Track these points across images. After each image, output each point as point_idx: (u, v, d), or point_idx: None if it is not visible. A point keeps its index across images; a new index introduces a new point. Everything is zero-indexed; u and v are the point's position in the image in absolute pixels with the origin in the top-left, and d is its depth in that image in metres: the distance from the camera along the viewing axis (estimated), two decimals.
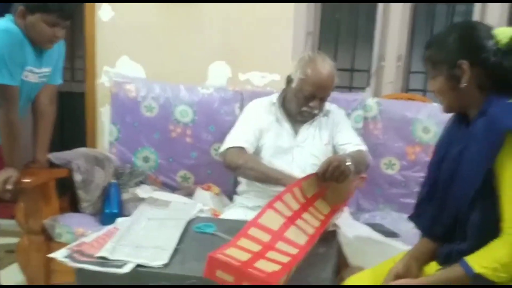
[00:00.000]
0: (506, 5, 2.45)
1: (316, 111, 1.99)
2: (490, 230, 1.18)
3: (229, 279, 1.20)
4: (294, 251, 1.36)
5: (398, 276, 1.30)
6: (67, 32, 1.93)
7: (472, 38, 1.25)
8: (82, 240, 1.52)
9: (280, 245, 1.38)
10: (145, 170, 2.39)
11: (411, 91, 2.64)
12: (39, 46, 1.89)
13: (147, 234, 1.60)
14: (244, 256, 1.26)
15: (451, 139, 1.37)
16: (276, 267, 1.26)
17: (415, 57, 2.64)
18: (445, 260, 1.29)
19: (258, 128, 2.03)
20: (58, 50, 2.03)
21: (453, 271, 1.19)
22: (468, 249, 1.20)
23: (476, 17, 2.49)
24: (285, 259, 1.31)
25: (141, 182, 2.30)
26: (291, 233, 1.44)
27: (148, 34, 2.62)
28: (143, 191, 2.18)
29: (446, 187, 1.31)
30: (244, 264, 1.23)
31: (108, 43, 2.65)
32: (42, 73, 1.97)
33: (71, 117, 2.23)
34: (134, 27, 2.62)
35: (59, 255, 1.41)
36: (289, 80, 2.01)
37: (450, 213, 1.29)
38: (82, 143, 2.60)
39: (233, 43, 2.57)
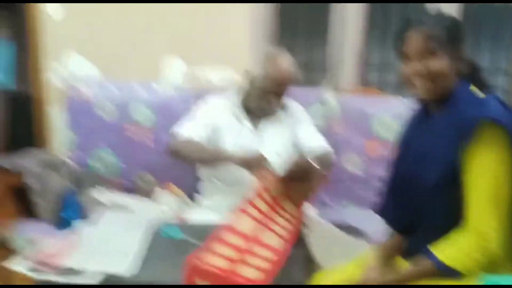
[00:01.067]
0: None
1: (276, 107, 2.00)
2: (452, 222, 1.21)
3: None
4: (272, 255, 1.37)
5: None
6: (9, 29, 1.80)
7: (461, 28, 1.28)
8: (43, 250, 1.46)
9: (257, 249, 1.38)
10: (102, 173, 2.33)
11: (368, 85, 2.67)
12: None
13: (109, 240, 1.56)
14: (223, 263, 1.26)
15: (413, 133, 1.39)
16: (258, 274, 1.26)
17: (371, 51, 2.67)
18: (410, 253, 1.32)
19: (213, 128, 2.01)
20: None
21: (423, 266, 1.21)
22: (431, 240, 1.22)
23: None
24: (265, 265, 1.31)
25: (99, 186, 2.24)
26: (266, 236, 1.44)
27: (97, 28, 2.52)
28: (101, 194, 2.13)
29: (410, 179, 1.32)
30: (227, 272, 1.22)
31: (55, 39, 2.52)
32: None
33: (18, 119, 2.11)
34: (82, 21, 2.51)
35: (22, 268, 1.36)
36: (248, 76, 2.01)
37: (413, 203, 1.31)
38: (31, 146, 2.47)
39: (188, 38, 2.52)
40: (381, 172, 2.22)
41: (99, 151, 2.34)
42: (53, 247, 1.48)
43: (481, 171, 1.17)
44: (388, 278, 1.27)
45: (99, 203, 2.04)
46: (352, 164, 2.32)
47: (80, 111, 2.35)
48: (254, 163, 1.75)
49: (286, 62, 1.95)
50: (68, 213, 2.02)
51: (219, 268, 1.22)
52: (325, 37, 2.67)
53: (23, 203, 2.07)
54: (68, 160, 2.28)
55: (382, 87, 2.69)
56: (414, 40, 1.24)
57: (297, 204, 1.66)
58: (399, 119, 2.20)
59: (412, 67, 1.25)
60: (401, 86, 1.44)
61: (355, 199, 2.31)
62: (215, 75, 2.55)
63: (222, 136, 2.01)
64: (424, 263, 1.21)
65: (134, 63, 2.52)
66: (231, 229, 1.40)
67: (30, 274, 1.32)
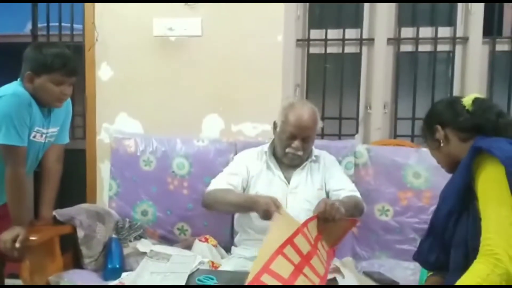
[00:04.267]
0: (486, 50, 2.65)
1: (299, 152, 2.04)
2: (475, 247, 1.29)
3: None
4: None
5: None
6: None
7: (436, 107, 1.58)
8: None
9: None
10: (143, 224, 2.42)
11: (399, 137, 2.71)
12: (49, 107, 1.98)
13: None
14: None
15: None
16: None
17: (401, 103, 2.74)
18: None
19: (245, 176, 2.10)
20: (65, 110, 2.11)
21: None
22: (457, 269, 1.33)
23: (457, 61, 2.68)
24: None
25: (140, 236, 2.33)
26: (300, 281, 1.47)
27: (144, 91, 2.71)
28: (142, 245, 2.22)
29: (438, 217, 1.48)
30: None
31: (107, 101, 2.74)
32: (50, 133, 2.04)
33: (69, 174, 2.29)
34: (131, 85, 2.72)
35: None
36: (274, 126, 2.12)
37: (441, 240, 1.45)
38: (81, 199, 2.64)
39: (224, 97, 2.66)
40: (414, 221, 2.26)
41: (141, 202, 2.45)
42: None
43: (485, 196, 1.31)
44: None
45: (141, 253, 2.14)
46: (385, 214, 2.32)
47: (125, 165, 2.49)
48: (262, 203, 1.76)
49: (304, 108, 2.03)
50: (112, 263, 2.11)
51: None
52: (355, 91, 2.75)
53: (71, 253, 2.18)
54: (112, 212, 2.40)
55: (413, 139, 2.71)
56: None
57: (327, 248, 1.69)
58: (431, 170, 2.26)
59: None
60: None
61: (388, 249, 2.29)
62: (249, 129, 2.67)
63: (254, 184, 2.10)
64: None
65: (177, 123, 2.67)
66: (269, 270, 1.41)
67: None
